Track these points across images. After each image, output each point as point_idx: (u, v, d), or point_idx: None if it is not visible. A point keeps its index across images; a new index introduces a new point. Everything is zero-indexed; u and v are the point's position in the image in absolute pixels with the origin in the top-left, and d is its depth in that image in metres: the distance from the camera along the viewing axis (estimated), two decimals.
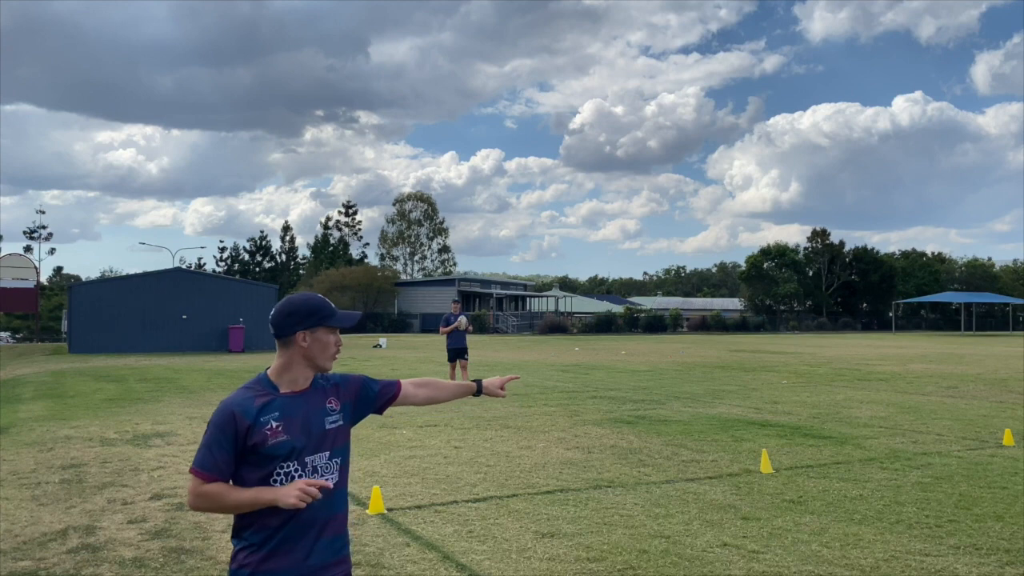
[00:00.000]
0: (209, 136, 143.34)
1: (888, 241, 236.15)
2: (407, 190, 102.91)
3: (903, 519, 6.25)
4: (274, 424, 2.53)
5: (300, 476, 2.54)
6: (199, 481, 2.52)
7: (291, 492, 2.43)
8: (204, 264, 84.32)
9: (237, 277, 70.62)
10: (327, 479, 2.59)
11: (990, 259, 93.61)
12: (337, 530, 2.63)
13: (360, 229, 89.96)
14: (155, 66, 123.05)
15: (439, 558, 5.31)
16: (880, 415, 12.36)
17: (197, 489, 2.52)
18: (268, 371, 2.66)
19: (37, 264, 46.92)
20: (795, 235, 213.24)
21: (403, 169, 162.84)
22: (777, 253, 75.66)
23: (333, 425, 2.66)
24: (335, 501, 2.63)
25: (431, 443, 9.72)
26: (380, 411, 2.88)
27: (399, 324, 60.20)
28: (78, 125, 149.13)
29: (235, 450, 2.52)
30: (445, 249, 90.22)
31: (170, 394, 15.83)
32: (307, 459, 2.57)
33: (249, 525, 2.56)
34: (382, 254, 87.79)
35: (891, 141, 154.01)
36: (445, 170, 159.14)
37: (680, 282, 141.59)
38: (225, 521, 5.83)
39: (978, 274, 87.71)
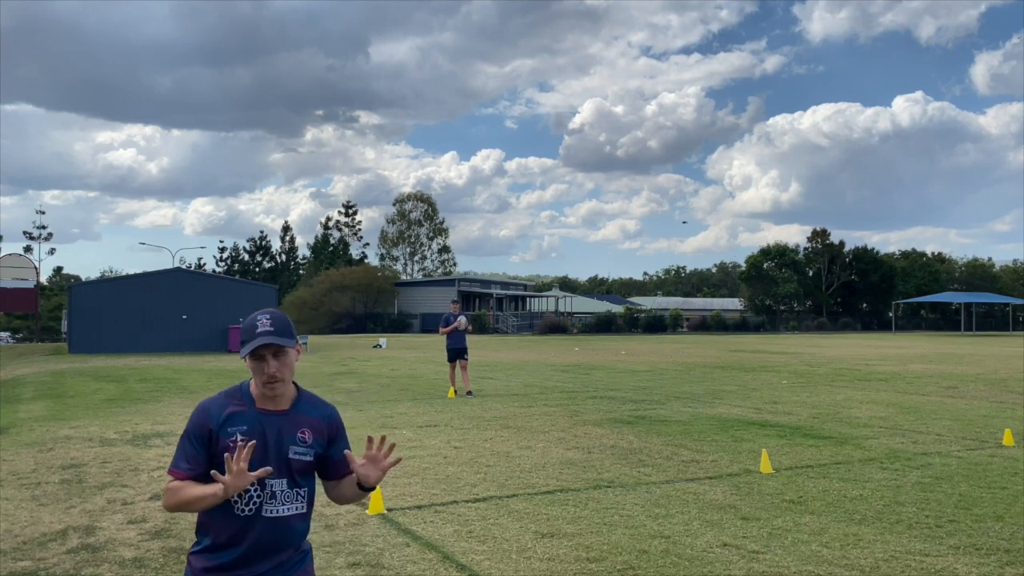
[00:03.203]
0: (209, 136, 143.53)
1: (888, 241, 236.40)
2: (407, 190, 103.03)
3: (903, 519, 6.25)
4: (239, 437, 2.48)
5: (259, 498, 2.50)
6: (169, 478, 2.53)
7: (229, 479, 2.39)
8: (204, 264, 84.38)
9: (237, 277, 70.63)
10: (290, 508, 2.54)
11: (990, 259, 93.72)
12: (296, 552, 2.58)
13: (360, 229, 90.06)
14: (155, 66, 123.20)
15: (439, 558, 5.31)
16: (880, 415, 12.36)
17: (168, 487, 2.54)
18: (249, 382, 2.62)
19: (37, 264, 47.00)
20: (795, 235, 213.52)
21: (403, 169, 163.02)
22: (777, 253, 75.68)
23: (297, 456, 2.55)
24: (297, 529, 2.57)
25: (431, 443, 9.72)
26: (322, 475, 2.68)
27: (399, 324, 60.21)
28: (78, 125, 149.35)
29: (207, 449, 2.51)
30: (445, 249, 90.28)
31: (170, 394, 15.83)
32: (267, 481, 2.50)
33: (204, 531, 2.54)
34: (382, 254, 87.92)
35: (891, 141, 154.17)
36: (445, 170, 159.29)
37: (680, 282, 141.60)
38: None
39: (978, 274, 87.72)
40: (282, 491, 2.53)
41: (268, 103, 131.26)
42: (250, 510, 2.49)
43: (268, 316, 2.56)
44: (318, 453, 2.60)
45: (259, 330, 2.52)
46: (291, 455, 2.53)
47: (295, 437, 2.55)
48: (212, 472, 2.43)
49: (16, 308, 42.94)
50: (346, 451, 2.60)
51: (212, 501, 2.44)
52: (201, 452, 2.51)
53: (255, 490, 2.49)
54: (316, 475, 2.67)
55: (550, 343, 41.10)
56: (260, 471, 2.43)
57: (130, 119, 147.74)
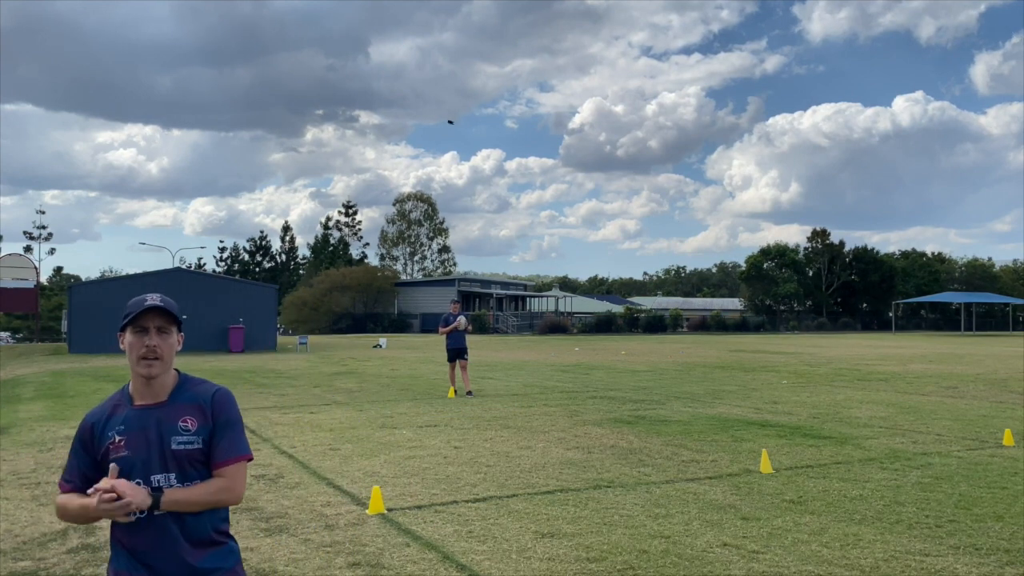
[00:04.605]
0: (209, 136, 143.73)
1: (888, 241, 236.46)
2: (407, 190, 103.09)
3: (903, 519, 6.25)
4: (117, 438, 2.43)
5: None
6: (59, 492, 2.49)
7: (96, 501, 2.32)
8: (204, 264, 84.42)
9: (237, 277, 70.63)
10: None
11: (990, 259, 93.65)
12: (207, 550, 2.46)
13: (360, 229, 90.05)
14: (155, 66, 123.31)
15: (439, 558, 5.31)
16: (880, 415, 12.36)
17: (57, 500, 2.49)
18: (130, 383, 2.55)
19: (37, 264, 46.96)
20: (795, 235, 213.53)
21: (403, 169, 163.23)
22: (777, 253, 75.66)
23: (181, 447, 2.42)
24: (199, 524, 2.44)
25: (431, 443, 9.72)
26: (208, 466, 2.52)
27: (399, 324, 60.20)
28: (78, 125, 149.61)
29: (93, 460, 2.46)
30: (445, 249, 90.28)
31: None
32: (153, 478, 2.40)
33: (113, 539, 2.49)
34: (382, 254, 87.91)
35: (891, 141, 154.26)
36: (445, 170, 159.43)
37: (680, 282, 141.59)
38: None
39: (978, 274, 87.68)
40: (170, 487, 2.42)
41: (268, 103, 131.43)
42: (142, 511, 2.40)
43: (158, 294, 2.54)
44: (207, 439, 2.47)
45: (148, 302, 2.47)
46: (175, 446, 2.42)
47: (176, 427, 2.44)
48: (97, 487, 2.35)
49: (16, 308, 42.93)
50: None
51: (90, 514, 2.38)
52: (85, 462, 2.47)
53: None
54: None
55: (550, 343, 41.09)
56: (110, 484, 2.31)
57: (130, 119, 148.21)
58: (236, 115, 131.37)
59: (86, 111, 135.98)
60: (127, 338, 2.47)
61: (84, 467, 2.48)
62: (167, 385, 2.51)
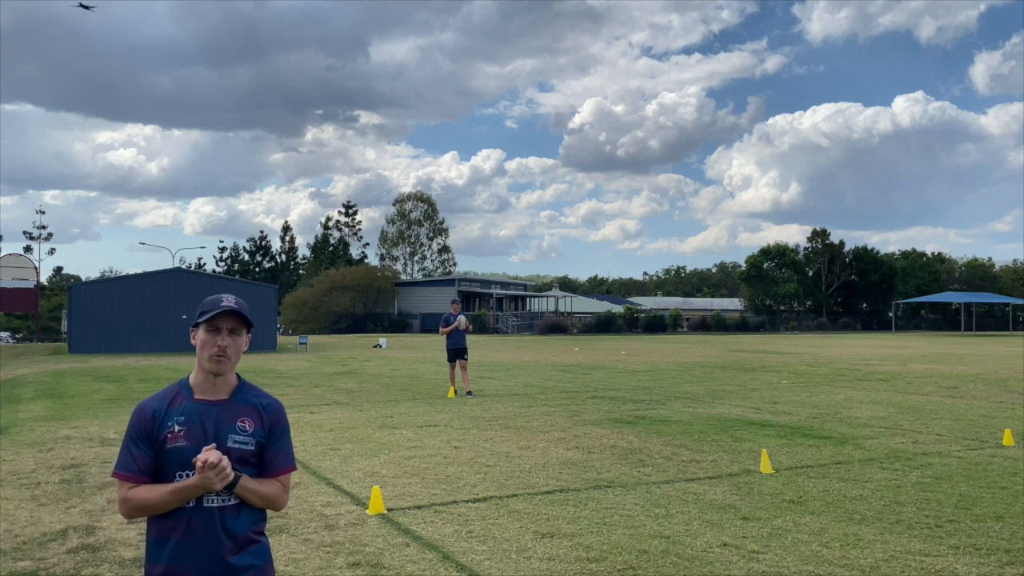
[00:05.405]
0: (209, 136, 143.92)
1: (888, 241, 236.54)
2: (407, 190, 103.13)
3: (903, 519, 6.25)
4: (176, 428, 2.47)
5: None
6: (126, 485, 2.46)
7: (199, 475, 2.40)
8: (204, 264, 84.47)
9: (237, 277, 70.61)
10: (229, 499, 2.49)
11: (990, 259, 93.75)
12: (243, 547, 2.51)
13: (360, 229, 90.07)
14: (155, 66, 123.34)
15: (439, 558, 5.31)
16: (880, 415, 12.36)
17: (125, 494, 2.46)
18: (187, 377, 2.61)
19: (37, 264, 47.01)
20: (795, 235, 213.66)
21: (403, 169, 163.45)
22: (777, 253, 75.67)
23: (237, 445, 2.50)
24: (239, 521, 2.51)
25: (431, 443, 9.72)
26: (260, 471, 2.59)
27: (399, 324, 60.21)
28: (78, 125, 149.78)
29: (153, 449, 2.48)
30: (445, 249, 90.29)
31: None
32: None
33: (152, 532, 2.51)
34: (382, 254, 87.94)
35: (891, 141, 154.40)
36: (446, 170, 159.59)
37: (680, 282, 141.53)
38: None
39: (978, 274, 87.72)
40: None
41: (268, 103, 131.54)
42: (190, 502, 2.45)
43: (233, 296, 2.62)
44: (260, 442, 2.56)
45: (223, 303, 2.56)
46: (230, 444, 2.49)
47: (235, 426, 2.52)
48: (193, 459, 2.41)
49: (16, 308, 42.95)
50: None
51: (182, 494, 2.42)
52: (147, 452, 2.48)
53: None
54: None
55: (550, 343, 41.09)
56: (209, 454, 2.39)
57: (130, 119, 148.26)
58: (236, 115, 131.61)
59: (86, 111, 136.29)
60: (200, 335, 2.56)
61: (149, 457, 2.49)
62: (230, 384, 2.60)
